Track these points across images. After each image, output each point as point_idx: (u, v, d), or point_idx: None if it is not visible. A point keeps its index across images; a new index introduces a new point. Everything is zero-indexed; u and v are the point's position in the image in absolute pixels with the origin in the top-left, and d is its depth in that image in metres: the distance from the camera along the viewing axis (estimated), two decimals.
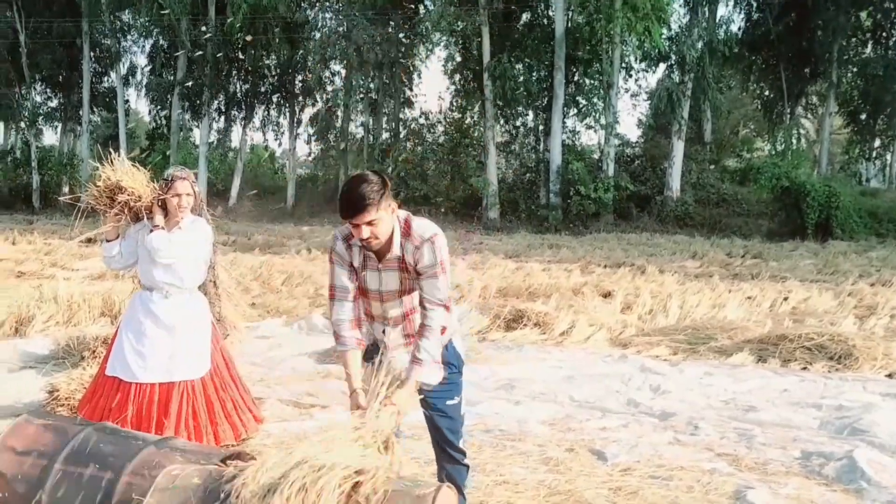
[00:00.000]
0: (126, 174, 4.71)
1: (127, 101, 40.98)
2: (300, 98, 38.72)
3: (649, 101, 37.40)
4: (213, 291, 5.32)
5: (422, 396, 3.50)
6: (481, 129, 35.01)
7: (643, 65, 35.12)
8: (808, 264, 17.82)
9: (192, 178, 4.83)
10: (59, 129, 43.91)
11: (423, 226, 3.46)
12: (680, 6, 33.34)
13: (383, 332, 3.62)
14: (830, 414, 6.34)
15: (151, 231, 4.70)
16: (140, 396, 4.63)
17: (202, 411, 4.75)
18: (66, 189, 39.02)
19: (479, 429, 5.73)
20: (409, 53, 36.18)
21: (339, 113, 37.25)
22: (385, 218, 3.32)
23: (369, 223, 3.28)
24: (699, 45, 31.08)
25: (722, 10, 33.60)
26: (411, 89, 37.34)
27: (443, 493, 2.90)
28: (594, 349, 8.98)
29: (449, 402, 3.66)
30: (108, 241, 4.82)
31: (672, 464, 5.00)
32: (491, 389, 7.02)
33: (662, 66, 34.57)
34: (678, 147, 31.94)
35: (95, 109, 41.97)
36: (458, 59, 36.42)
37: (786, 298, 12.11)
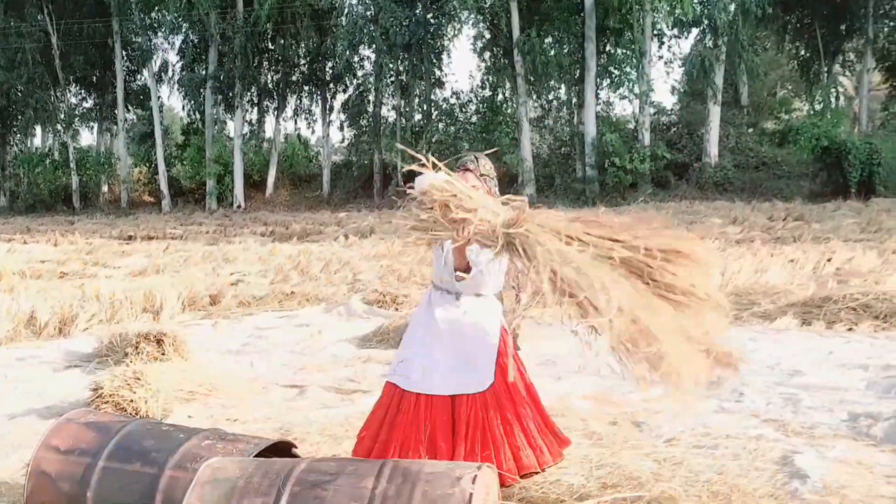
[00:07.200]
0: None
1: (160, 97, 41.27)
2: (331, 85, 38.85)
3: (683, 68, 37.00)
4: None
5: None
6: (513, 105, 34.89)
7: (675, 31, 34.70)
8: (851, 224, 17.56)
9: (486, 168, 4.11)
10: (95, 130, 44.62)
11: None
12: None
13: None
14: (878, 374, 6.24)
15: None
16: (433, 409, 4.07)
17: (497, 428, 4.07)
18: (105, 188, 39.59)
19: None
20: (438, 34, 36.06)
21: (371, 97, 37.34)
22: None
23: None
24: (731, 7, 30.59)
25: None
26: (441, 70, 37.27)
27: (483, 472, 2.91)
28: None
29: None
30: (458, 271, 4.08)
31: (717, 432, 4.94)
32: (533, 366, 6.99)
33: (695, 31, 34.14)
34: (714, 112, 31.58)
35: (130, 108, 42.40)
36: (487, 36, 36.28)
37: (829, 259, 11.93)
